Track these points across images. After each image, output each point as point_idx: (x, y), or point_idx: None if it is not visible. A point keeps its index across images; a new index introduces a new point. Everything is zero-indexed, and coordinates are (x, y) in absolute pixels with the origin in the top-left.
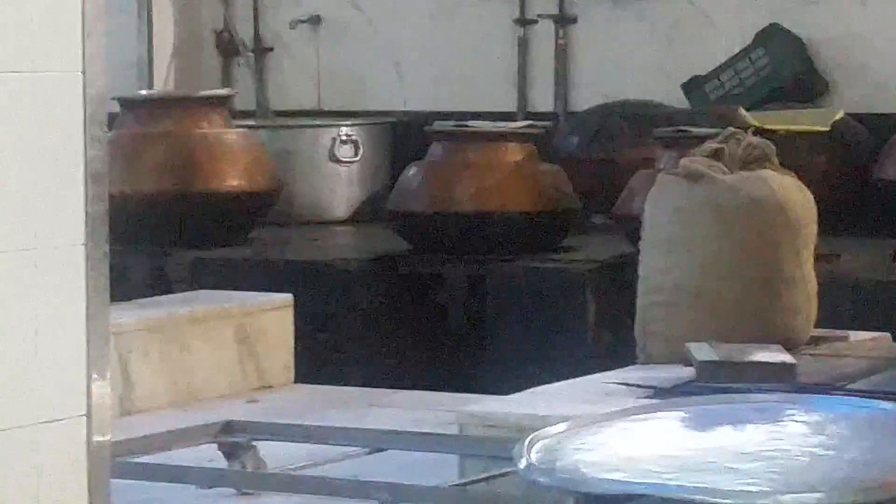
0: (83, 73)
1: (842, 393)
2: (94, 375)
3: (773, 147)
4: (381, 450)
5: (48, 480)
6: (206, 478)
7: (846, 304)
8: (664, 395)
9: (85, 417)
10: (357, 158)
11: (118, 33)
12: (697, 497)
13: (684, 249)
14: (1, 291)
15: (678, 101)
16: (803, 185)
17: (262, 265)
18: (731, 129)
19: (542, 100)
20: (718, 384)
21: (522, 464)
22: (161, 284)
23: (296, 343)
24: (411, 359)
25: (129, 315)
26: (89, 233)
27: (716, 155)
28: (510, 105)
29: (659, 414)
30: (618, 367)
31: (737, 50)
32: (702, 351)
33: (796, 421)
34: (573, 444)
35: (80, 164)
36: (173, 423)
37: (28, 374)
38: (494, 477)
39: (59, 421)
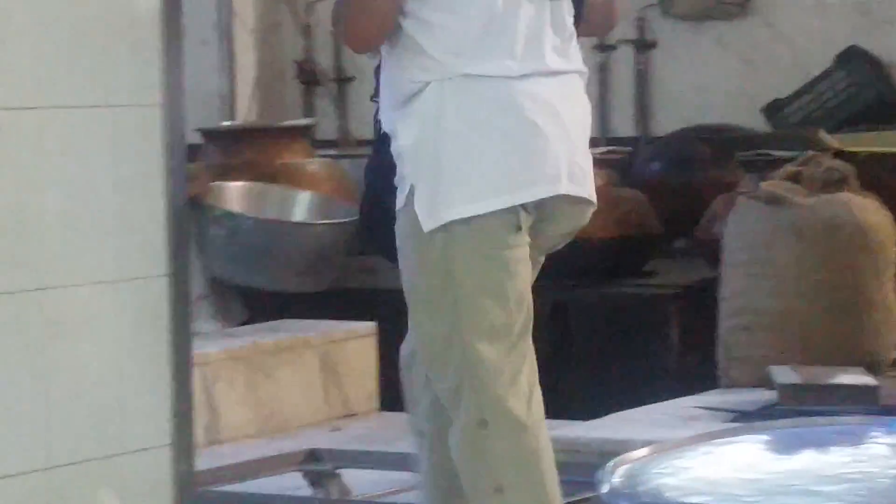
0: (162, 105)
1: None
2: (179, 405)
3: (854, 169)
4: None
5: None
6: None
7: None
8: (747, 418)
9: (170, 447)
10: None
11: (200, 65)
12: None
13: (765, 273)
14: (86, 323)
15: (758, 124)
16: (884, 208)
17: (345, 293)
18: (811, 152)
19: (623, 125)
20: (801, 407)
21: (605, 489)
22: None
23: (380, 371)
24: None
25: (213, 344)
26: (172, 264)
27: (796, 178)
28: (592, 131)
29: (741, 438)
30: (700, 392)
31: (817, 72)
32: (784, 374)
33: (879, 443)
34: (656, 468)
35: (160, 197)
36: (258, 452)
37: (114, 405)
38: (577, 502)
39: (145, 450)
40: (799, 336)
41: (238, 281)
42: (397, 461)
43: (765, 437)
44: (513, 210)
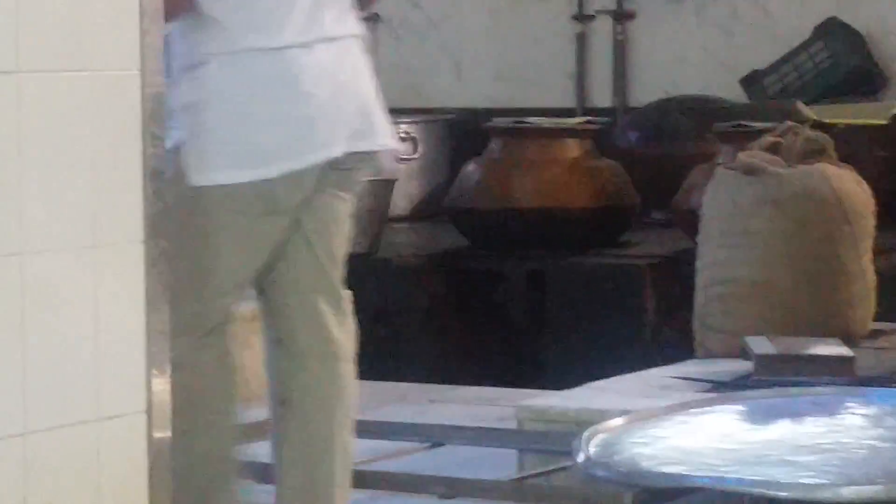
0: (141, 71)
1: None
2: (154, 372)
3: (831, 141)
4: (441, 444)
5: (109, 476)
6: (265, 473)
7: None
8: (722, 388)
9: (145, 413)
10: (416, 155)
11: None
12: (756, 490)
13: (742, 243)
14: (61, 289)
15: (737, 95)
16: (861, 179)
17: None
18: (789, 122)
19: (601, 96)
20: (777, 378)
21: (581, 458)
22: None
23: (356, 340)
24: (471, 354)
25: None
26: (148, 230)
27: (774, 149)
28: (569, 101)
29: (717, 407)
30: (676, 362)
31: (795, 44)
32: (760, 345)
33: (855, 414)
34: (631, 437)
35: (138, 162)
36: None
37: (88, 371)
38: (553, 471)
39: (120, 417)
40: (776, 307)
41: None
42: (373, 429)
43: (740, 408)
44: (269, 183)
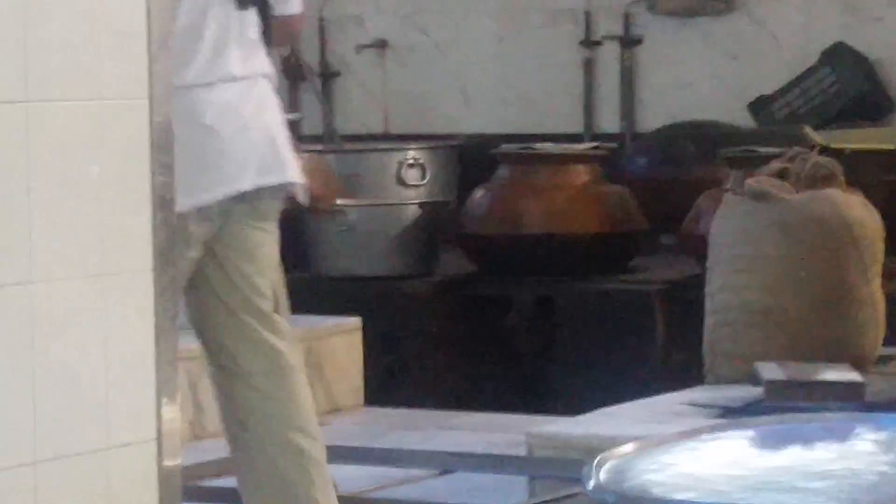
0: (149, 99)
1: None
2: (164, 399)
3: (840, 166)
4: (450, 472)
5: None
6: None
7: None
8: (732, 414)
9: (155, 441)
10: (424, 182)
11: None
12: None
13: (751, 269)
14: (71, 317)
15: (744, 120)
16: (870, 204)
17: (330, 288)
18: (798, 148)
19: (609, 121)
20: (787, 403)
21: (591, 484)
22: None
23: (365, 366)
24: (480, 380)
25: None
26: (157, 258)
27: (782, 174)
28: (576, 127)
29: (727, 434)
30: (686, 388)
31: (803, 69)
32: (770, 370)
33: (865, 440)
34: (642, 464)
35: (147, 191)
36: None
37: (98, 399)
38: (563, 498)
39: (130, 445)
40: (785, 332)
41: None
42: (383, 457)
43: (751, 434)
44: (180, 217)
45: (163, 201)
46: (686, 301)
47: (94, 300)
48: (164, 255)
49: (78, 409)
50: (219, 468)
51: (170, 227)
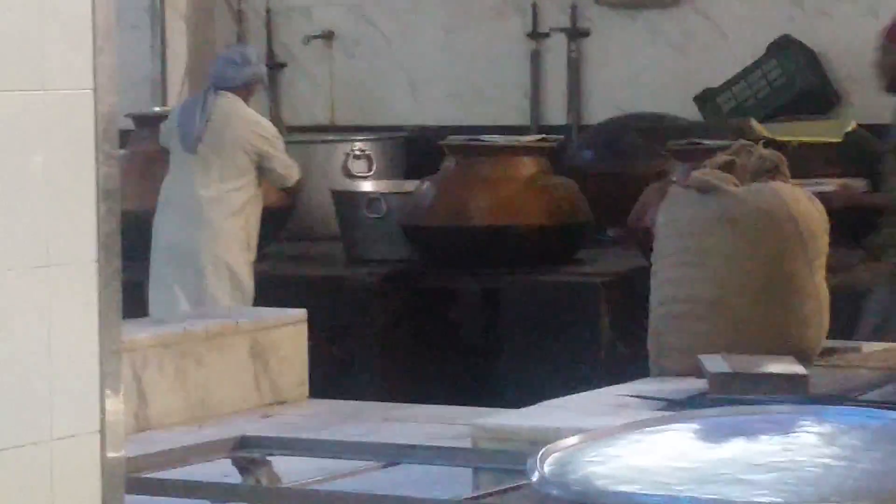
0: (94, 90)
1: (854, 404)
2: (108, 391)
3: (785, 159)
4: (395, 463)
5: (62, 496)
6: (221, 493)
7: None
8: (677, 407)
9: (98, 433)
10: (370, 173)
11: (131, 50)
12: None
13: (696, 262)
14: (14, 308)
15: (691, 113)
16: (814, 197)
17: (276, 280)
18: (743, 141)
19: (555, 113)
20: (731, 396)
21: (535, 477)
22: None
23: (310, 358)
24: (425, 372)
25: (143, 331)
26: (102, 249)
27: (727, 167)
28: (523, 119)
29: (672, 426)
30: (631, 380)
31: (749, 62)
32: (714, 363)
33: (808, 432)
34: (586, 456)
35: (91, 181)
36: (188, 439)
37: (41, 390)
38: (508, 490)
39: (73, 437)
40: (730, 325)
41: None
42: (328, 448)
43: (695, 426)
44: None
45: (107, 193)
46: (631, 293)
47: (37, 291)
48: (109, 246)
49: (21, 400)
50: (163, 460)
51: (114, 217)
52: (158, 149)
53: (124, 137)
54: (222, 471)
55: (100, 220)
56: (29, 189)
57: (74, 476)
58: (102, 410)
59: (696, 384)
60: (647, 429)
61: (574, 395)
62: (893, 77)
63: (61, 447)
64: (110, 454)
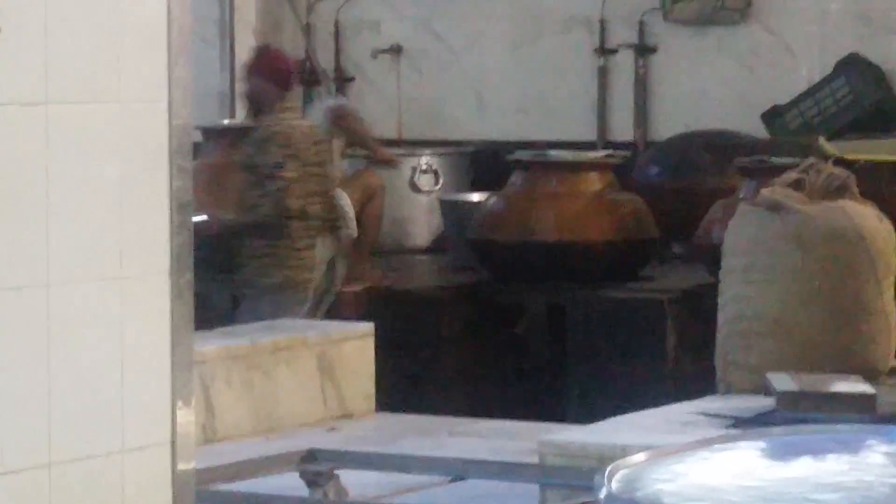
0: (169, 103)
1: None
2: (179, 403)
3: (854, 177)
4: (462, 478)
5: None
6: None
7: None
8: (744, 425)
9: (170, 445)
10: (437, 187)
11: (201, 63)
12: None
13: (764, 279)
14: (87, 320)
15: (758, 130)
16: (883, 216)
17: (343, 294)
18: (812, 158)
19: (622, 129)
20: (798, 414)
21: (603, 494)
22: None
23: (377, 372)
24: (492, 387)
25: (212, 343)
26: (174, 261)
27: (796, 185)
28: (590, 134)
29: (739, 444)
30: (698, 397)
31: (817, 79)
32: (782, 381)
33: (876, 452)
34: (653, 473)
35: (165, 194)
36: (255, 451)
37: (114, 402)
38: None
39: (145, 448)
40: (797, 343)
41: None
42: (395, 462)
43: (762, 444)
44: None
45: (180, 205)
46: (698, 310)
47: (110, 303)
48: (181, 258)
49: (93, 411)
50: (230, 472)
51: (186, 230)
52: (226, 161)
53: (193, 150)
54: (290, 484)
55: (172, 233)
56: (103, 201)
57: (146, 487)
58: (174, 422)
59: (763, 402)
60: (715, 446)
61: (641, 412)
62: None
63: (133, 458)
64: (181, 466)
